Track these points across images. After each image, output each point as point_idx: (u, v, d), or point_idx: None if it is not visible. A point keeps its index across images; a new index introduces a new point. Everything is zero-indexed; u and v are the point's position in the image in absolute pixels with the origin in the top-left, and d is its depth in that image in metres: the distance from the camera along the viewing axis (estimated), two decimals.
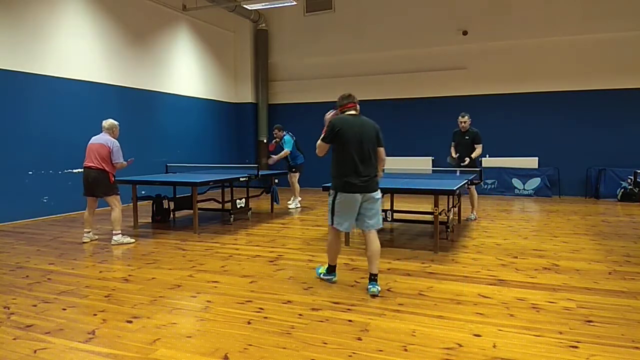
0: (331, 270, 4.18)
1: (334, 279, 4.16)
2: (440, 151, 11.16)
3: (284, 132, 8.92)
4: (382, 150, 4.01)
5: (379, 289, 3.80)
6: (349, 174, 3.83)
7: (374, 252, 3.88)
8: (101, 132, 5.91)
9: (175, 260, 5.01)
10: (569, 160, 10.51)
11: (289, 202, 9.03)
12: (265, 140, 9.07)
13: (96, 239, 6.07)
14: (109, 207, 5.87)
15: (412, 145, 11.62)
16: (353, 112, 4.02)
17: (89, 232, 6.01)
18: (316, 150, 4.01)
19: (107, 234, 6.20)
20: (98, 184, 5.74)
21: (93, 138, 5.87)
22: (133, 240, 5.91)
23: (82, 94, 8.45)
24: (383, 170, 4.15)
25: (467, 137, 7.13)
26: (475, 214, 7.47)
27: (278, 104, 13.00)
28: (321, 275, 4.23)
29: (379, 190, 3.96)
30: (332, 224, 3.98)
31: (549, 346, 2.81)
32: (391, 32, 11.65)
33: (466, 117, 7.13)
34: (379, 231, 4.35)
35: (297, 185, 8.98)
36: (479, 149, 7.10)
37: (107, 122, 5.95)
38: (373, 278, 3.85)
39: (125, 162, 5.88)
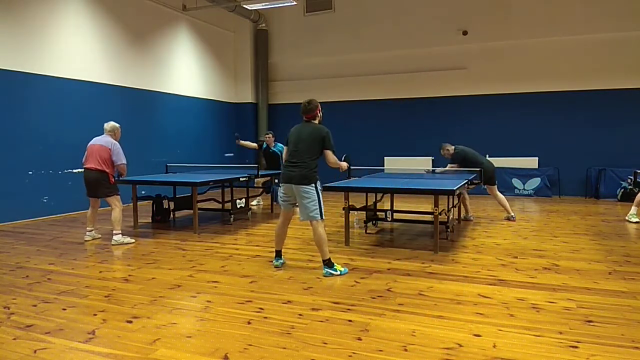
0: (276, 254, 4.71)
1: (275, 263, 4.66)
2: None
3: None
4: (327, 152, 4.45)
5: (328, 271, 4.34)
6: (285, 167, 4.58)
7: (315, 241, 4.44)
8: (102, 133, 5.95)
9: (175, 260, 5.01)
10: (569, 160, 10.51)
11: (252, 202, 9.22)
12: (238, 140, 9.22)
13: (99, 237, 6.09)
14: (110, 207, 5.89)
15: (412, 145, 11.62)
16: (305, 121, 4.60)
17: (92, 230, 6.04)
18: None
19: (108, 234, 6.20)
20: (98, 186, 5.77)
21: (94, 139, 5.90)
22: (133, 240, 5.91)
23: (82, 94, 8.45)
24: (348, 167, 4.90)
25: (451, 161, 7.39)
26: (469, 215, 7.44)
27: (278, 104, 12.99)
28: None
29: (310, 186, 4.36)
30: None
31: (549, 346, 2.81)
32: (391, 32, 11.65)
33: (442, 150, 7.38)
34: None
35: None
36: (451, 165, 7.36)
37: (109, 125, 6.00)
38: (323, 262, 4.41)
39: (126, 168, 5.98)
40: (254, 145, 9.51)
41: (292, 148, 4.52)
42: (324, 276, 4.31)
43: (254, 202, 9.27)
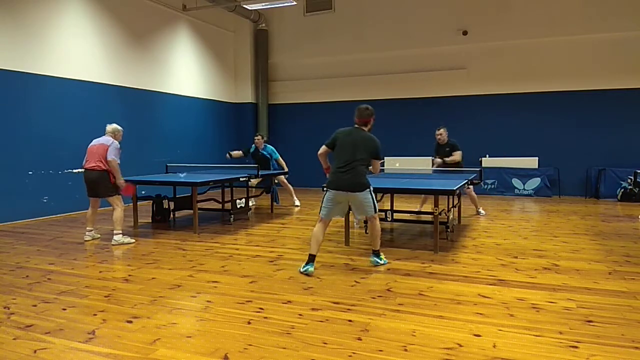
0: (309, 260, 4.44)
1: (309, 269, 4.38)
2: None
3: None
4: (376, 162, 4.56)
5: (375, 259, 4.66)
6: (336, 174, 4.49)
7: (371, 233, 4.70)
8: (103, 134, 5.96)
9: (175, 260, 5.01)
10: (569, 160, 10.51)
11: (295, 203, 9.09)
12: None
13: (98, 237, 6.09)
14: (111, 207, 5.89)
15: (412, 145, 11.61)
16: (356, 126, 4.62)
17: (91, 230, 6.04)
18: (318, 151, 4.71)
19: (108, 233, 6.20)
20: (99, 185, 5.76)
21: (94, 141, 5.89)
22: (133, 240, 5.91)
23: (82, 94, 8.45)
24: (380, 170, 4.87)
25: (447, 149, 7.51)
26: (481, 209, 7.81)
27: (278, 104, 13.00)
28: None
29: (367, 191, 4.45)
30: (319, 213, 4.62)
31: (549, 346, 2.81)
32: (391, 32, 11.65)
33: (442, 130, 7.54)
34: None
35: (290, 185, 9.10)
36: (457, 155, 7.45)
37: (111, 126, 6.01)
38: (373, 252, 4.72)
39: (117, 167, 5.77)
40: (240, 153, 8.96)
41: (345, 153, 4.44)
42: (371, 263, 4.67)
43: (251, 203, 9.14)
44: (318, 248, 4.49)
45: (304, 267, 4.40)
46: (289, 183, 9.12)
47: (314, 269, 4.41)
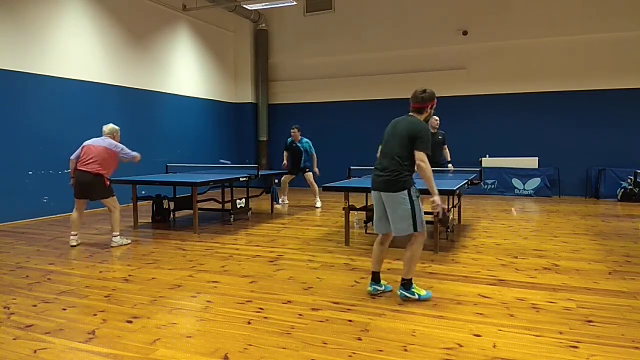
0: (372, 278, 3.82)
1: (369, 289, 3.80)
2: None
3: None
4: (417, 153, 3.51)
5: (403, 293, 3.62)
6: (373, 170, 3.78)
7: (405, 256, 3.66)
8: (100, 136, 5.75)
9: (175, 260, 5.01)
10: (569, 160, 10.51)
11: (316, 205, 9.05)
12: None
13: (80, 243, 5.83)
14: (107, 209, 5.76)
15: None
16: (410, 114, 3.80)
17: (76, 234, 5.76)
18: None
19: (108, 234, 6.19)
20: (93, 189, 5.57)
21: (91, 141, 5.66)
22: (129, 240, 5.88)
23: (82, 94, 8.45)
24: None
25: (440, 137, 7.57)
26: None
27: (278, 104, 13.00)
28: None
29: (401, 192, 3.53)
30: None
31: (549, 346, 2.81)
32: (391, 32, 11.65)
33: (437, 117, 7.67)
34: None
35: (315, 185, 9.03)
36: (448, 150, 7.66)
37: (108, 127, 5.81)
38: (401, 281, 3.67)
39: (137, 155, 5.86)
40: (285, 157, 9.29)
41: (385, 145, 3.72)
42: (401, 297, 3.62)
43: (318, 204, 9.02)
44: (378, 265, 3.82)
45: (370, 284, 3.83)
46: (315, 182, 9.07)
47: (384, 290, 3.83)
